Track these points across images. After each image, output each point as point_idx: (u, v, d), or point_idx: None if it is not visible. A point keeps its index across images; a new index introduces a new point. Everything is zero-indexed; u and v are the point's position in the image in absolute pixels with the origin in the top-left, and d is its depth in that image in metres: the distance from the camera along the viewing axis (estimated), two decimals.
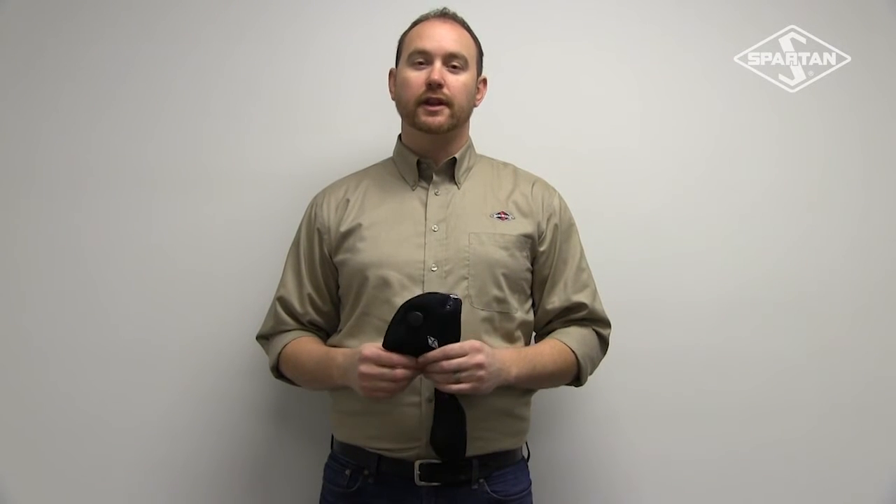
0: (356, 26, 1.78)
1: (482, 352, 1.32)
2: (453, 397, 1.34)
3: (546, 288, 1.52)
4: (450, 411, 1.36)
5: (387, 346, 1.30)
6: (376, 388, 1.31)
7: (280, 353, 1.50)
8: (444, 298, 1.29)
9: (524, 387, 1.45)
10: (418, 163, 1.51)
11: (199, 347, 1.73)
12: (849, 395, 1.80)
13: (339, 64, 1.78)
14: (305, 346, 1.49)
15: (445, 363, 1.29)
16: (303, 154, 1.76)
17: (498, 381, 1.35)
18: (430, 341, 1.29)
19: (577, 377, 1.50)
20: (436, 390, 1.34)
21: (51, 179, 1.73)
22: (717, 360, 1.79)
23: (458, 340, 1.31)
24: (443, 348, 1.29)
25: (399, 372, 1.29)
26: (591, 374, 1.53)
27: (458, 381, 1.29)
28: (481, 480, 1.42)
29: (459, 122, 1.49)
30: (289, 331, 1.53)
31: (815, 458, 1.80)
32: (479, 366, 1.30)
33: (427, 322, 1.28)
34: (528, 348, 1.48)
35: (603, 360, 1.57)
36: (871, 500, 1.79)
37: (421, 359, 1.30)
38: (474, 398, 1.38)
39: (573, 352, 1.47)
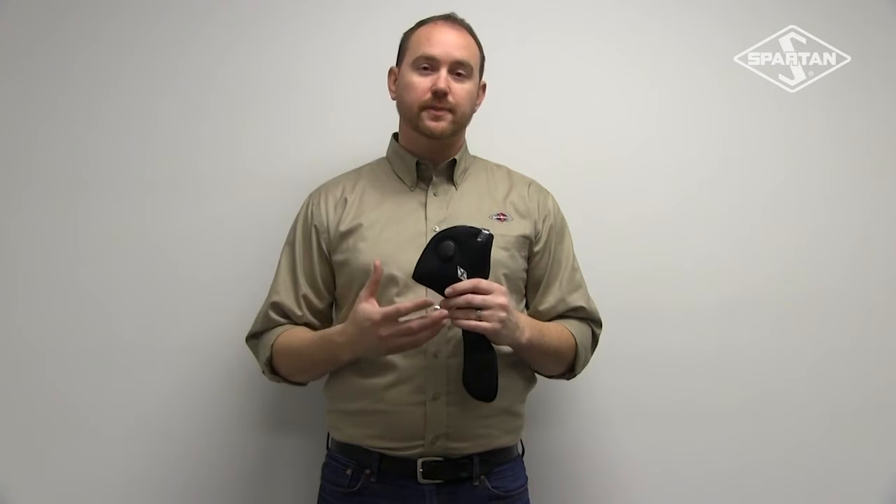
0: (352, 28, 1.78)
1: (507, 296, 1.32)
2: (482, 336, 1.33)
3: (541, 288, 1.53)
4: (480, 350, 1.35)
5: (417, 276, 1.31)
6: (414, 341, 1.31)
7: (273, 345, 1.49)
8: (476, 231, 1.31)
9: (530, 355, 1.44)
10: (417, 164, 1.52)
11: (195, 348, 1.73)
12: (849, 400, 1.81)
13: (334, 66, 1.77)
14: (298, 334, 1.49)
15: (471, 297, 1.28)
16: (298, 156, 1.76)
17: (512, 337, 1.34)
18: (459, 273, 1.29)
19: (571, 366, 1.51)
20: (464, 332, 1.34)
21: (46, 181, 1.72)
22: (719, 361, 1.80)
23: (486, 276, 1.31)
24: (473, 280, 1.29)
25: (415, 323, 1.28)
26: (583, 368, 1.53)
27: (479, 319, 1.29)
28: (482, 477, 1.44)
29: (460, 128, 1.50)
30: (280, 325, 1.52)
31: (815, 461, 1.80)
32: (503, 307, 1.30)
33: (458, 253, 1.29)
34: (537, 320, 1.48)
35: (605, 360, 1.58)
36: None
37: (449, 289, 1.29)
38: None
39: (573, 337, 1.48)
